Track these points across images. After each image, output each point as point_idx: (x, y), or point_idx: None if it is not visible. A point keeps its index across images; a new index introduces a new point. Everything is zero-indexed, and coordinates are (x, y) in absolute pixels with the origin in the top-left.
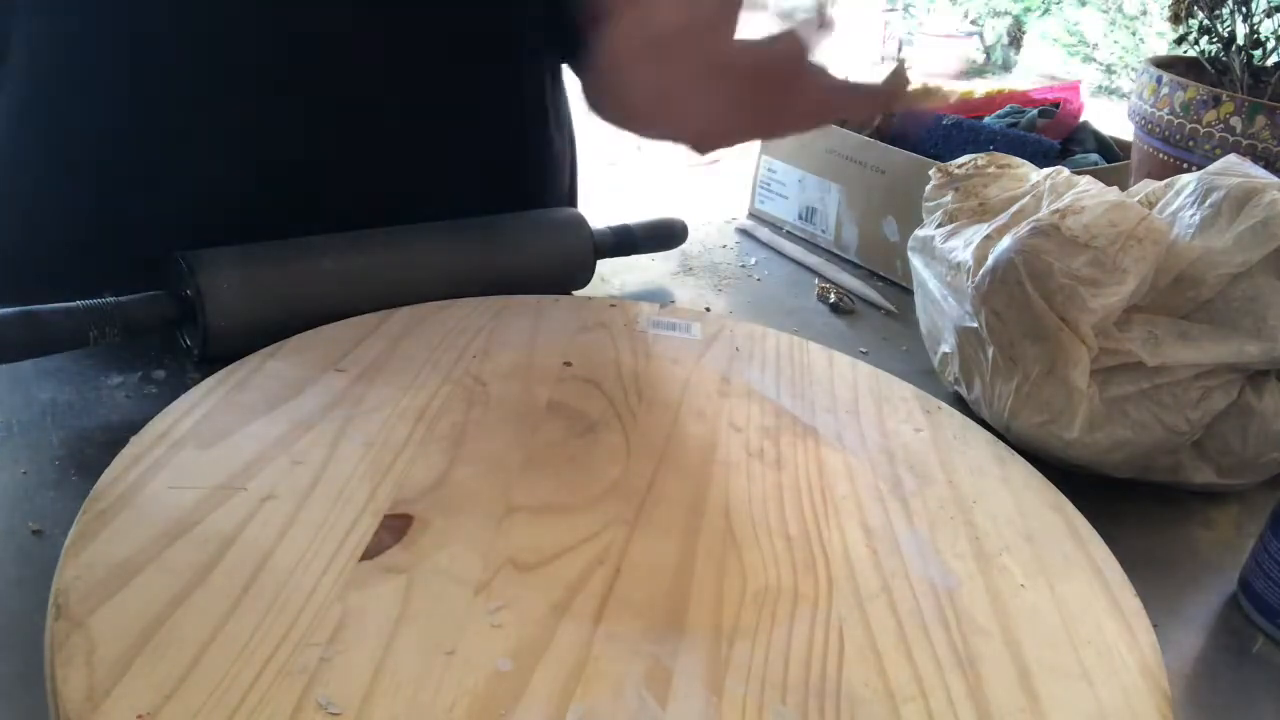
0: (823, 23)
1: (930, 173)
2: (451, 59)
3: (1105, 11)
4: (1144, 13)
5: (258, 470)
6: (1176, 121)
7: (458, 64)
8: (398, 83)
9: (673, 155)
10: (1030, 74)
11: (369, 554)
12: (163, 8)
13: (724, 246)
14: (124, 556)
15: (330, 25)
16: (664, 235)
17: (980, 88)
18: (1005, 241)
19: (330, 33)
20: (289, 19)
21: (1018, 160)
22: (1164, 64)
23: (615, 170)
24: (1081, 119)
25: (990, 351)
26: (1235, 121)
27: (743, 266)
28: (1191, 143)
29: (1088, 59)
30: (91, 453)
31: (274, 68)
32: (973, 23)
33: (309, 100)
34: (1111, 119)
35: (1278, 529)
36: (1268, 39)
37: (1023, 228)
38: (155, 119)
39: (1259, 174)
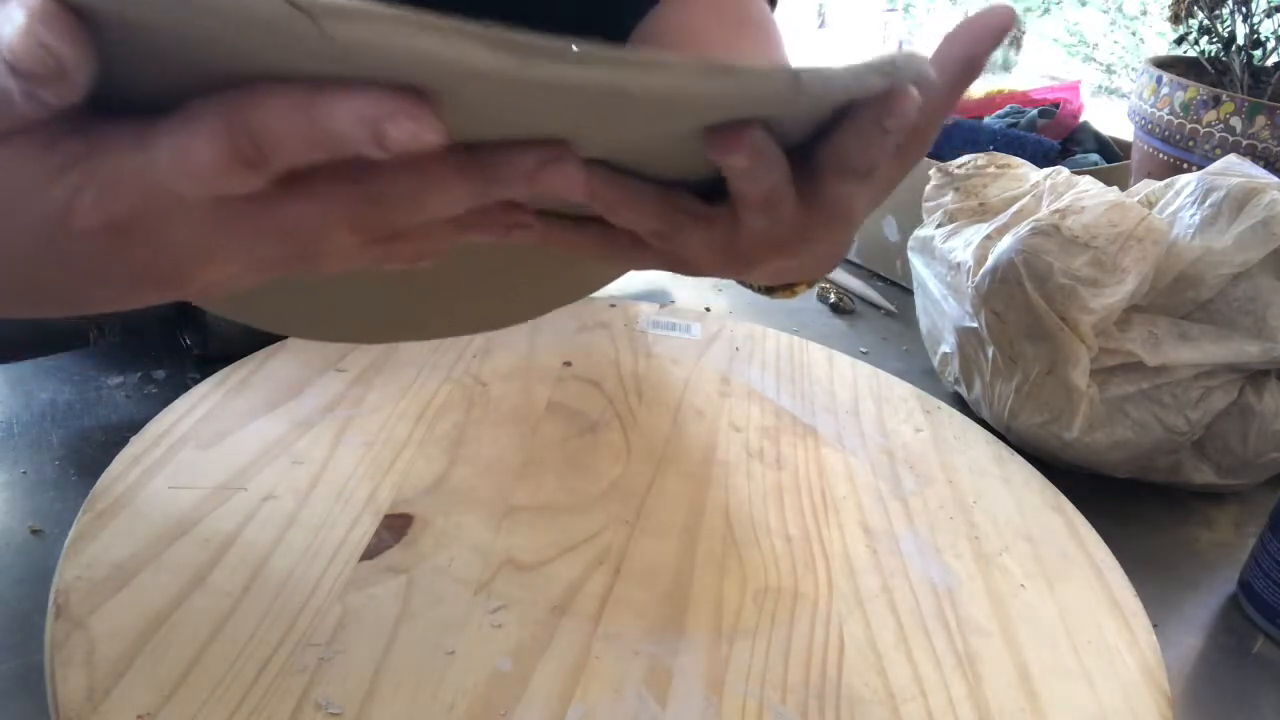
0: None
1: (930, 173)
2: None
3: (1105, 11)
4: (1144, 13)
5: (258, 470)
6: (1176, 121)
7: None
8: None
9: None
10: (1030, 74)
11: (369, 554)
12: None
13: None
14: (124, 556)
15: None
16: None
17: (980, 88)
18: (1005, 241)
19: None
20: None
21: (1018, 160)
22: (1164, 64)
23: None
24: (1081, 119)
25: (990, 351)
26: (1235, 121)
27: None
28: (1191, 143)
29: (1088, 59)
30: (91, 453)
31: None
32: None
33: None
34: (1111, 119)
35: (1278, 529)
36: (1268, 39)
37: (1023, 228)
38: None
39: (1259, 174)
